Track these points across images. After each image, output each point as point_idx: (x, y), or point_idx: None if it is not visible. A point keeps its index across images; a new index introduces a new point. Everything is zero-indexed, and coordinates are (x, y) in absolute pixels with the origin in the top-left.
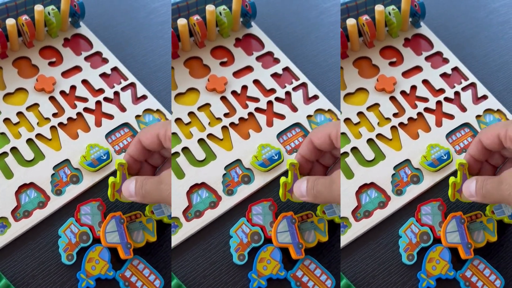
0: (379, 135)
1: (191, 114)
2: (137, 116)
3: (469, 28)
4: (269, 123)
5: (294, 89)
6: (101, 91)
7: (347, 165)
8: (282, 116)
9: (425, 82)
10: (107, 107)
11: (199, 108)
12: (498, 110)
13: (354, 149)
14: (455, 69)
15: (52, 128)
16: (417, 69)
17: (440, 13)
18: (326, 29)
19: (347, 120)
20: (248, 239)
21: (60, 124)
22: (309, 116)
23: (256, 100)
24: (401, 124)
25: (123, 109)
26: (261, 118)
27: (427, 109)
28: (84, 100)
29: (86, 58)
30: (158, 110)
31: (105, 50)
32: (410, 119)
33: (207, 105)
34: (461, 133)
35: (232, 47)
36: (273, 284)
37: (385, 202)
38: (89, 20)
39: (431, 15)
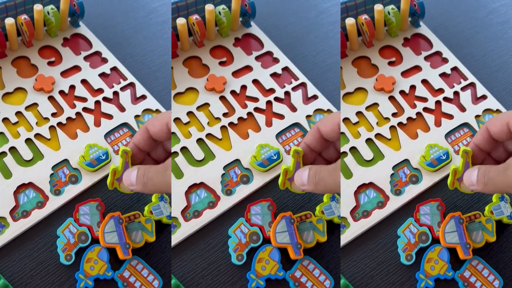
0: (378, 135)
1: (190, 113)
2: (136, 116)
3: (469, 28)
4: (268, 123)
5: (294, 89)
6: (100, 91)
7: (346, 164)
8: (281, 116)
9: (424, 82)
10: (106, 107)
11: (198, 108)
12: (497, 110)
13: (353, 149)
14: (455, 69)
15: (51, 128)
16: (416, 68)
17: (439, 12)
18: (326, 29)
19: (346, 119)
20: (247, 239)
21: (59, 124)
22: (308, 116)
23: (255, 100)
24: (400, 124)
25: (122, 109)
26: (260, 118)
27: (426, 109)
28: (83, 100)
29: (86, 58)
30: (157, 110)
31: (105, 50)
32: (409, 119)
33: (206, 104)
34: (460, 133)
35: (231, 47)
36: (271, 285)
37: (383, 202)
38: (89, 20)
39: (430, 14)
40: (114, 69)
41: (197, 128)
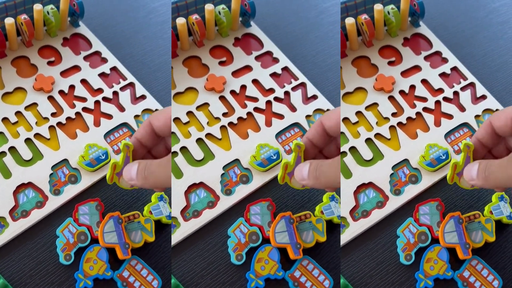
0: (378, 135)
1: (189, 113)
2: (136, 116)
3: (469, 27)
4: (268, 123)
5: (293, 89)
6: (100, 90)
7: (345, 164)
8: (281, 116)
9: (424, 81)
10: (106, 107)
11: (197, 108)
12: (497, 110)
13: (353, 149)
14: (454, 68)
15: (51, 127)
16: (416, 68)
17: (439, 12)
18: (326, 29)
19: (345, 119)
20: (246, 239)
21: (59, 123)
22: (308, 116)
23: (255, 99)
24: (399, 123)
25: (122, 109)
26: (260, 118)
27: (425, 109)
28: (83, 99)
29: (85, 58)
30: (157, 110)
31: (104, 49)
32: (408, 118)
33: (206, 104)
34: (459, 133)
35: (231, 47)
36: (271, 284)
37: (383, 202)
38: (88, 20)
39: (430, 14)
40: (113, 69)
41: (197, 128)
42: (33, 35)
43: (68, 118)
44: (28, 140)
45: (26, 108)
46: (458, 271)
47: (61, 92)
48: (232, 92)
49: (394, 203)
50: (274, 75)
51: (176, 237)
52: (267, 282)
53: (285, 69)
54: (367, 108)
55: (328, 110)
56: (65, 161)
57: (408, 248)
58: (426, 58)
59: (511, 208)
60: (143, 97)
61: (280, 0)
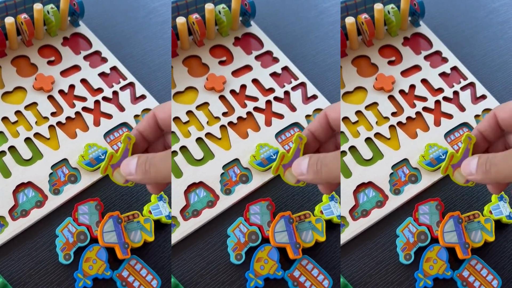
0: (377, 134)
1: (189, 113)
2: (136, 116)
3: (469, 27)
4: (268, 123)
5: (293, 88)
6: (100, 90)
7: (345, 164)
8: (280, 116)
9: (424, 81)
10: (105, 107)
11: (197, 107)
12: None
13: (352, 148)
14: (454, 68)
15: (51, 127)
16: (416, 68)
17: (439, 12)
18: (326, 28)
19: (345, 118)
20: (246, 239)
21: (59, 123)
22: (307, 116)
23: (254, 99)
24: (399, 123)
25: (121, 108)
26: (260, 118)
27: (425, 109)
28: (83, 99)
29: (85, 57)
30: None
31: (104, 49)
32: (408, 118)
33: (206, 104)
34: (459, 132)
35: (231, 46)
36: (270, 284)
37: (382, 202)
38: (89, 19)
39: (430, 14)
40: (113, 68)
41: (197, 128)
42: (33, 34)
43: (68, 118)
44: (28, 140)
45: (26, 107)
46: (457, 271)
47: (61, 91)
48: (232, 92)
49: (394, 202)
50: (274, 74)
51: (176, 236)
52: (266, 282)
53: (285, 68)
54: (367, 107)
55: None
56: (64, 160)
57: (407, 248)
58: (426, 57)
59: (510, 208)
60: (143, 97)
61: (280, 0)
